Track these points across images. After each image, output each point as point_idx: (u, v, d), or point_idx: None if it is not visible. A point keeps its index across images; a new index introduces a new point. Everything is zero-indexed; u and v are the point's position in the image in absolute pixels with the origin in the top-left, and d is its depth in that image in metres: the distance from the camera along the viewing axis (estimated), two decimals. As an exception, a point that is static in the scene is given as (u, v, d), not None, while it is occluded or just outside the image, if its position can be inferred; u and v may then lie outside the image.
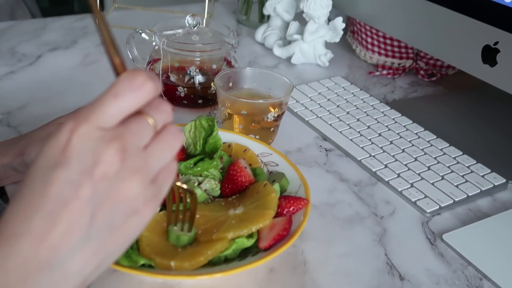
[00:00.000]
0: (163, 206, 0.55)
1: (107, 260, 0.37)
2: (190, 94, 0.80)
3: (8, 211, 0.34)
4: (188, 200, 0.50)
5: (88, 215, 0.34)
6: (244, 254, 0.53)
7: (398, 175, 0.70)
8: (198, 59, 0.80)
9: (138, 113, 0.37)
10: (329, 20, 0.96)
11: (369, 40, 1.00)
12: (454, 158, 0.74)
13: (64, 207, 0.33)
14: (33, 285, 0.33)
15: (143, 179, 0.36)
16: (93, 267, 0.36)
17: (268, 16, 1.05)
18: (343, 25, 0.95)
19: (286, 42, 1.01)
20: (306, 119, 0.81)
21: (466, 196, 0.68)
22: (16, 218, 0.34)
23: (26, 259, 0.33)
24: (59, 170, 0.34)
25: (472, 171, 0.72)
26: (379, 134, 0.78)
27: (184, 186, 0.48)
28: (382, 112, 0.84)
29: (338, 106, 0.85)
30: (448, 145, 0.77)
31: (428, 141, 0.77)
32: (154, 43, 0.81)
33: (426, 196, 0.67)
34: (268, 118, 0.71)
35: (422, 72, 0.98)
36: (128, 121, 0.36)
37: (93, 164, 0.34)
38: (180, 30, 0.82)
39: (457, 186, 0.69)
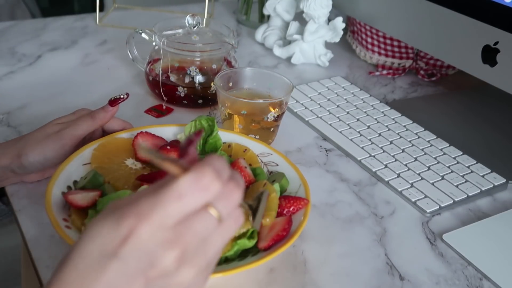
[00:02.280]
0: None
1: None
2: (190, 94, 0.80)
3: (60, 275, 0.35)
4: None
5: None
6: (244, 254, 0.53)
7: (398, 175, 0.70)
8: (198, 59, 0.80)
9: (205, 206, 0.36)
10: (329, 20, 0.96)
11: (369, 40, 1.00)
12: (454, 158, 0.74)
13: None
14: None
15: (199, 271, 0.36)
16: None
17: (268, 16, 1.05)
18: (343, 25, 0.95)
19: (286, 42, 1.01)
20: (306, 119, 0.81)
21: (466, 196, 0.68)
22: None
23: None
24: (116, 261, 0.34)
25: (472, 171, 0.72)
26: (379, 134, 0.78)
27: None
28: (382, 112, 0.84)
29: (338, 106, 0.85)
30: (448, 145, 0.77)
31: (428, 141, 0.77)
32: (154, 43, 0.81)
33: (426, 196, 0.67)
34: (268, 118, 0.71)
35: (422, 72, 0.98)
36: (192, 219, 0.36)
37: (149, 265, 0.35)
38: (180, 30, 0.82)
39: (457, 186, 0.69)
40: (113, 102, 0.64)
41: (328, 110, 0.83)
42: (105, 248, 0.35)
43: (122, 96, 0.65)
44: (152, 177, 0.58)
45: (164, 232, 0.35)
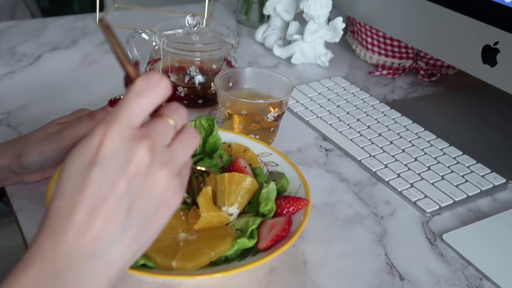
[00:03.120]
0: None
1: (142, 248, 0.41)
2: (190, 94, 0.80)
3: (52, 207, 0.38)
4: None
5: (124, 208, 0.38)
6: (244, 254, 0.53)
7: (398, 175, 0.70)
8: (198, 59, 0.80)
9: (159, 115, 0.41)
10: (329, 20, 0.96)
11: (369, 40, 1.00)
12: (454, 158, 0.74)
13: (103, 202, 0.37)
14: (80, 270, 0.37)
15: (170, 173, 0.40)
16: (130, 254, 0.40)
17: (268, 16, 1.05)
18: (343, 25, 0.95)
19: (286, 42, 1.01)
20: (306, 119, 0.81)
21: (466, 196, 0.68)
22: (61, 213, 0.38)
23: (72, 248, 0.37)
24: (95, 170, 0.37)
25: (472, 171, 0.72)
26: (379, 134, 0.78)
27: (203, 168, 0.54)
28: (382, 112, 0.84)
29: (338, 106, 0.85)
30: (448, 145, 0.77)
31: (428, 141, 0.77)
32: (154, 43, 0.81)
33: (426, 196, 0.67)
34: (268, 118, 0.71)
35: (422, 72, 0.98)
36: (152, 122, 0.40)
37: (126, 162, 0.38)
38: (180, 30, 0.82)
39: (457, 186, 0.69)
40: (113, 102, 0.64)
41: (328, 110, 0.83)
42: (83, 161, 0.38)
43: (122, 97, 0.65)
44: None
45: (133, 130, 0.39)
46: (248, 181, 0.58)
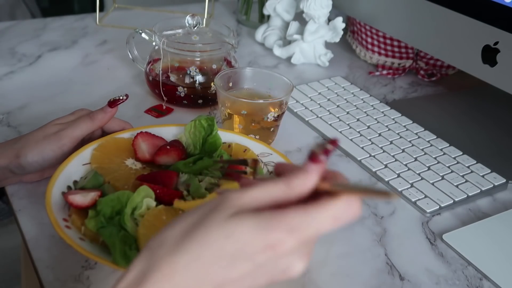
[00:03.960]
0: (159, 202, 0.55)
1: None
2: (190, 94, 0.80)
3: (174, 260, 0.36)
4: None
5: None
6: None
7: (398, 175, 0.70)
8: (198, 59, 0.80)
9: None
10: (329, 20, 0.96)
11: (369, 40, 1.00)
12: (454, 158, 0.74)
13: None
14: None
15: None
16: None
17: (268, 16, 1.05)
18: (343, 25, 0.95)
19: (286, 42, 1.01)
20: (306, 119, 0.81)
21: (466, 196, 0.68)
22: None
23: None
24: (248, 264, 0.36)
25: (472, 171, 0.72)
26: (379, 134, 0.78)
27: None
28: (382, 112, 0.84)
29: (338, 106, 0.85)
30: (448, 145, 0.77)
31: (428, 141, 0.77)
32: (154, 43, 0.81)
33: (426, 196, 0.67)
34: (268, 118, 0.71)
35: (422, 72, 0.98)
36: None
37: (281, 272, 0.37)
38: (180, 30, 0.82)
39: (457, 186, 0.69)
40: (112, 103, 0.64)
41: (328, 110, 0.83)
42: (244, 250, 0.36)
43: (121, 98, 0.65)
44: (152, 177, 0.58)
45: (307, 247, 0.37)
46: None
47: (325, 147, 0.39)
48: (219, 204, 0.37)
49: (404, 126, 0.80)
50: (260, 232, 0.36)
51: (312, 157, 0.38)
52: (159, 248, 0.36)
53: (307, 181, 0.38)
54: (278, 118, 0.73)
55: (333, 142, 0.39)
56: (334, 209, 0.37)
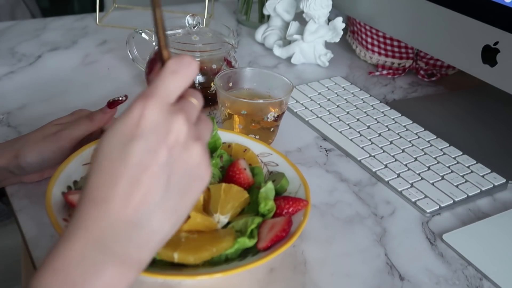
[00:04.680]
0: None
1: (179, 219, 0.41)
2: (190, 94, 0.80)
3: (91, 181, 0.39)
4: None
5: (165, 178, 0.39)
6: (244, 254, 0.53)
7: (398, 175, 0.70)
8: (198, 59, 0.80)
9: (184, 97, 0.43)
10: (329, 20, 0.96)
11: (369, 40, 1.00)
12: (454, 158, 0.74)
13: (145, 172, 0.38)
14: (125, 239, 0.38)
15: (202, 147, 0.41)
16: (170, 225, 0.40)
17: (268, 16, 1.05)
18: (343, 25, 0.95)
19: (286, 42, 1.01)
20: (306, 119, 0.81)
21: (466, 196, 0.68)
22: (102, 184, 0.38)
23: (116, 218, 0.38)
24: (137, 141, 0.38)
25: (472, 171, 0.72)
26: (379, 134, 0.78)
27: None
28: (382, 112, 0.84)
29: (338, 106, 0.85)
30: (448, 145, 0.77)
31: (428, 141, 0.77)
32: (154, 43, 0.81)
33: (426, 196, 0.67)
34: (268, 118, 0.71)
35: (422, 72, 0.98)
36: (183, 100, 0.42)
37: (166, 133, 0.39)
38: (180, 30, 0.82)
39: (457, 186, 0.69)
40: (112, 104, 0.64)
41: (328, 110, 0.83)
42: (124, 134, 0.38)
43: (121, 98, 0.65)
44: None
45: (169, 105, 0.40)
46: (244, 197, 0.58)
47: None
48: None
49: (404, 126, 0.80)
50: (123, 115, 0.39)
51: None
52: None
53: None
54: (278, 118, 0.73)
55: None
56: (169, 66, 0.41)
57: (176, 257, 0.50)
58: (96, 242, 0.37)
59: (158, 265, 0.51)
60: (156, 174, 0.38)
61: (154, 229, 0.39)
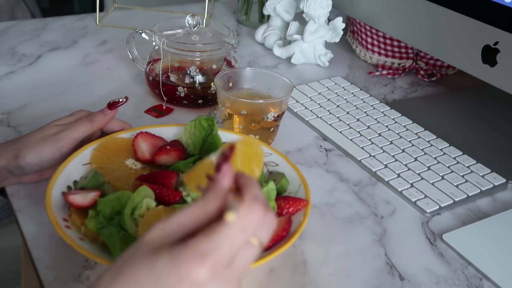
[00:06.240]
0: (159, 202, 0.55)
1: None
2: (190, 94, 0.80)
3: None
4: None
5: None
6: (244, 254, 0.53)
7: (398, 175, 0.70)
8: (198, 59, 0.80)
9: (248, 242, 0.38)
10: (329, 20, 0.96)
11: (369, 40, 1.00)
12: (454, 158, 0.74)
13: None
14: None
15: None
16: None
17: (268, 16, 1.05)
18: (343, 25, 0.95)
19: (286, 42, 1.01)
20: (306, 119, 0.81)
21: (466, 196, 0.68)
22: None
23: None
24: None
25: (472, 171, 0.72)
26: (379, 134, 0.78)
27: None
28: (382, 112, 0.84)
29: (338, 106, 0.85)
30: (448, 145, 0.77)
31: (428, 141, 0.77)
32: (154, 43, 0.81)
33: (426, 196, 0.67)
34: (268, 118, 0.71)
35: (422, 72, 0.98)
36: (241, 253, 0.37)
37: None
38: (180, 30, 0.82)
39: (457, 186, 0.69)
40: (112, 105, 0.64)
41: (328, 110, 0.83)
42: (163, 285, 0.35)
43: (121, 100, 0.65)
44: (152, 177, 0.58)
45: (227, 273, 0.36)
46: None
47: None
48: (143, 241, 0.37)
49: (404, 126, 0.80)
50: (173, 266, 0.35)
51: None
52: None
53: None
54: (278, 118, 0.73)
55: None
56: (240, 221, 0.36)
57: None
58: None
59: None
60: None
61: None
